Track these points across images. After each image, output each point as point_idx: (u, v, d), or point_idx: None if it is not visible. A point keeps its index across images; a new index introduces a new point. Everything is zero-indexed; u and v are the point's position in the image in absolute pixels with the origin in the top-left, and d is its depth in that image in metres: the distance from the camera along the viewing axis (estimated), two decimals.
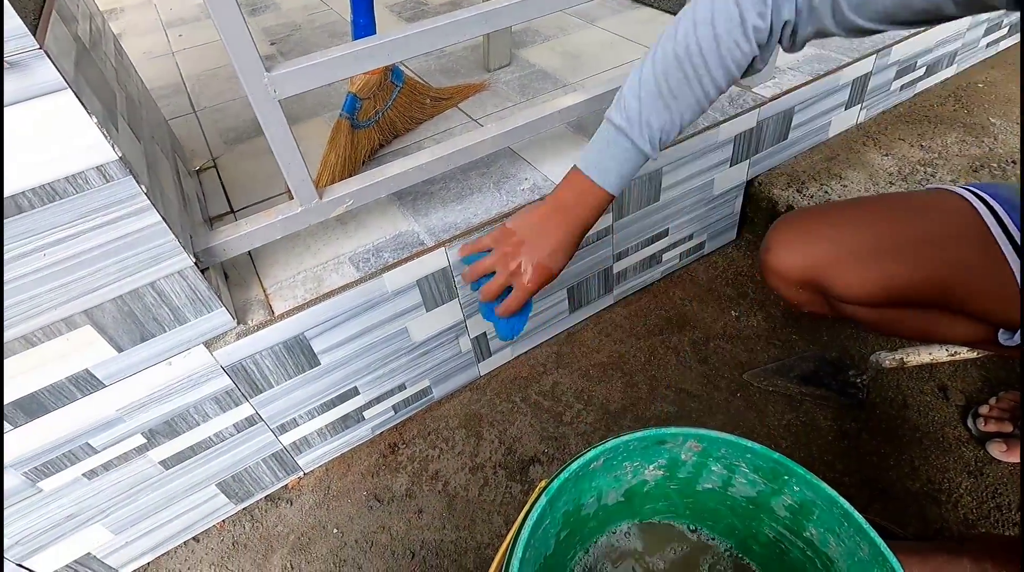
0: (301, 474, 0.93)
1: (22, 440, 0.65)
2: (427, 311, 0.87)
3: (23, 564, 0.73)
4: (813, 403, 0.93)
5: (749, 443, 0.53)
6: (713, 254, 1.22)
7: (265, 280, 0.80)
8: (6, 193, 0.51)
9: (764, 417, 0.93)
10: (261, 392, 0.79)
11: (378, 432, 0.97)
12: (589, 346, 1.07)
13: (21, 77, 0.47)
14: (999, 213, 0.62)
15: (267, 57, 1.48)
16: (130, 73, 0.87)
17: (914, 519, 0.79)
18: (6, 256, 0.53)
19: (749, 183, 1.15)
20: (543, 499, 0.52)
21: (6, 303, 0.55)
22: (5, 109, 0.47)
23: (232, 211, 0.94)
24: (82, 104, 0.51)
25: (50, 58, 0.48)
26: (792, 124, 1.12)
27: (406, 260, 0.80)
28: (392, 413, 0.96)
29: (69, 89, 0.50)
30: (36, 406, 0.63)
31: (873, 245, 0.66)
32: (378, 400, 0.92)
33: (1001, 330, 0.67)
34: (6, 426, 0.63)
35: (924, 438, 0.87)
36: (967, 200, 0.64)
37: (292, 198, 0.75)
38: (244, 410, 0.79)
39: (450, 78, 1.23)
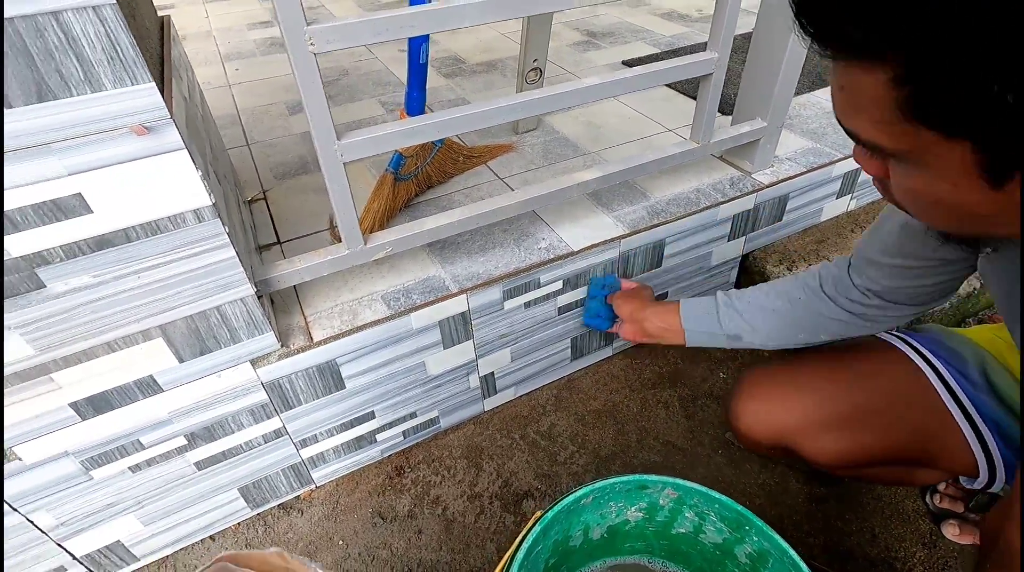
0: (313, 486, 1.01)
1: (87, 432, 0.74)
2: (444, 349, 0.97)
3: (62, 544, 0.81)
4: (787, 466, 1.01)
5: (718, 495, 0.62)
6: None
7: (307, 309, 0.90)
8: (124, 224, 0.62)
9: (741, 474, 1.01)
10: (291, 408, 0.88)
11: (387, 455, 1.06)
12: (587, 393, 1.16)
13: (154, 138, 0.59)
14: (940, 370, 0.72)
15: None
16: (209, 117, 1.00)
17: None
18: (111, 275, 0.64)
19: (744, 257, 1.26)
20: (537, 527, 0.60)
21: (104, 313, 0.66)
22: (147, 159, 0.59)
23: (279, 242, 1.05)
24: (192, 160, 0.62)
25: (176, 125, 0.60)
26: (787, 208, 1.23)
27: (431, 302, 0.91)
28: (401, 438, 1.05)
29: (185, 149, 0.61)
30: (104, 403, 0.73)
31: (835, 415, 0.74)
32: (391, 425, 1.01)
33: (961, 476, 0.76)
34: (76, 417, 0.72)
35: (886, 508, 0.95)
36: (912, 360, 0.73)
37: (340, 241, 0.86)
38: (274, 423, 0.89)
39: (482, 137, 1.36)
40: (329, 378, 0.89)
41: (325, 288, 0.94)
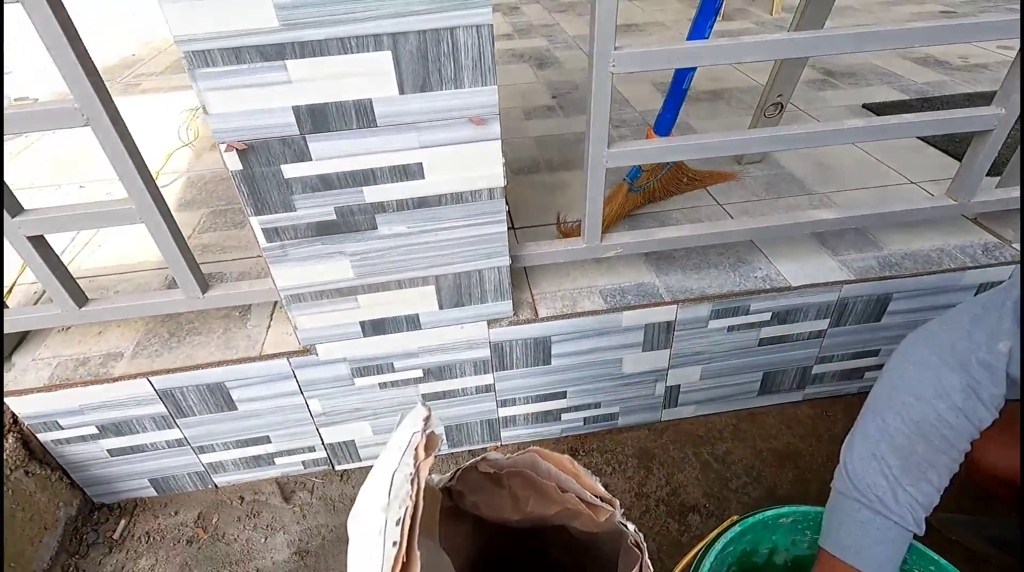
0: (500, 444, 1.14)
1: (362, 347, 0.94)
2: (643, 351, 1.03)
3: (320, 429, 1.04)
4: (1000, 569, 0.91)
5: (937, 556, 0.60)
6: None
7: (534, 289, 1.03)
8: (441, 191, 0.78)
9: None
10: (504, 370, 1.02)
11: (565, 435, 1.15)
12: (768, 430, 1.14)
13: (485, 129, 0.74)
14: None
15: (547, 108, 1.80)
16: None
17: None
18: (419, 229, 0.81)
19: None
20: (737, 527, 0.64)
21: (406, 257, 0.84)
22: (473, 143, 0.75)
23: (513, 228, 1.20)
24: (501, 150, 0.77)
25: (499, 120, 0.74)
26: None
27: (643, 306, 0.98)
28: (581, 423, 1.14)
29: (499, 139, 0.76)
30: (380, 327, 0.92)
31: None
32: (576, 409, 1.11)
33: None
34: (360, 333, 0.92)
35: None
36: None
37: (566, 236, 0.97)
38: (487, 379, 1.03)
39: (706, 162, 1.40)
40: (541, 352, 1.00)
41: (550, 275, 1.06)
